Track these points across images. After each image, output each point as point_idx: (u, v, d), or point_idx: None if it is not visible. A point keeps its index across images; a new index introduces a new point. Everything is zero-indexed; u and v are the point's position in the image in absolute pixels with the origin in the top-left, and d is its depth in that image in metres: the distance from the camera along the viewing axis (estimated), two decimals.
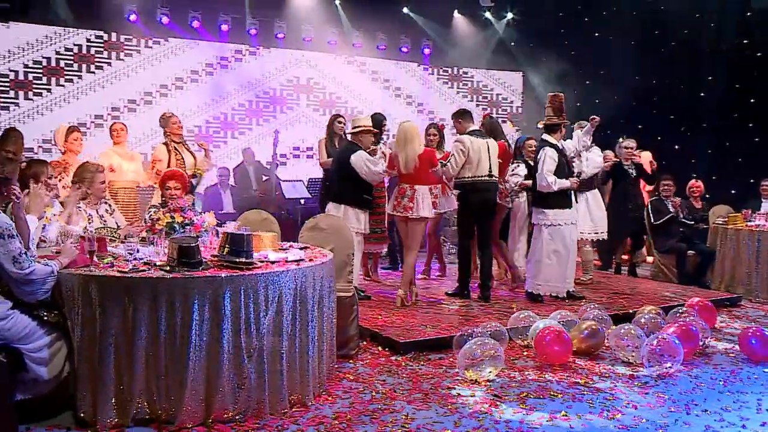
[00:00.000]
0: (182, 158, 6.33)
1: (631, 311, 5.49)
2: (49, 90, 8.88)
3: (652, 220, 7.51)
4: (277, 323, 3.36)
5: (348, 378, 4.03)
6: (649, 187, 8.18)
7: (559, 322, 4.83)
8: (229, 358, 3.21)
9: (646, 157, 8.88)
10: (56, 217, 4.08)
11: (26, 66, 8.74)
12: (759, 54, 9.50)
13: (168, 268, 3.25)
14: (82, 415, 3.15)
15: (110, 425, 3.12)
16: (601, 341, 4.64)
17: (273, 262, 3.59)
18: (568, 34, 11.43)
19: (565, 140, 6.24)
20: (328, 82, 10.88)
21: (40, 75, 8.82)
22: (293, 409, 3.44)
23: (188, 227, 3.78)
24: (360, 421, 3.36)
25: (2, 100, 8.58)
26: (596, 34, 11.16)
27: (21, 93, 8.68)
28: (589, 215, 6.86)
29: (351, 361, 4.36)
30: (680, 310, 5.14)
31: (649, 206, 7.57)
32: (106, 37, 9.27)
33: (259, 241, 3.98)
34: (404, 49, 11.21)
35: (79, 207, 4.35)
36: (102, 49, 9.23)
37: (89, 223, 4.24)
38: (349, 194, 5.68)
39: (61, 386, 3.21)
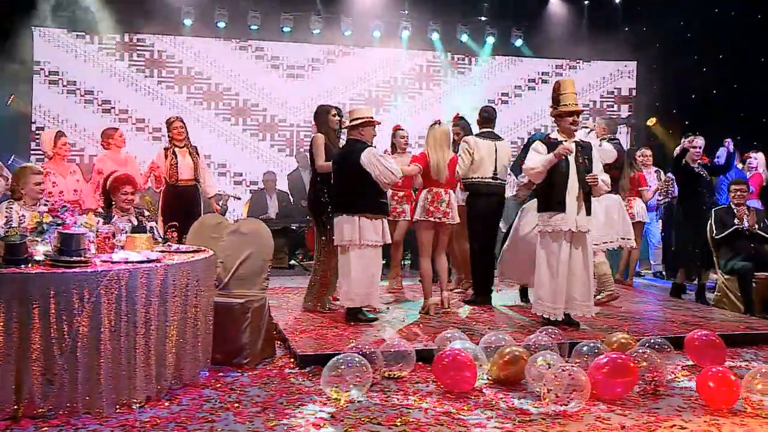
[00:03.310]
0: (176, 162, 6.89)
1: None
2: None
3: (714, 234, 6.63)
4: (96, 322, 3.60)
5: (212, 386, 4.17)
6: None
7: (489, 346, 4.52)
8: (39, 353, 3.53)
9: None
10: None
11: None
12: None
13: None
14: None
15: None
16: (522, 369, 4.28)
17: (114, 262, 3.87)
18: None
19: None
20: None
21: None
22: (117, 410, 3.67)
23: (59, 227, 4.18)
24: (164, 427, 3.50)
25: None
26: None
27: None
28: (605, 221, 6.33)
29: (240, 370, 4.50)
30: (655, 341, 4.55)
31: (713, 216, 6.70)
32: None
33: (131, 242, 4.30)
34: None
35: (11, 207, 4.98)
36: None
37: (6, 223, 4.83)
38: (363, 201, 5.51)
39: None
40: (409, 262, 9.28)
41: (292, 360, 4.75)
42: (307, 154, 6.35)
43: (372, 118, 5.73)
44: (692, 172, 6.94)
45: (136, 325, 3.75)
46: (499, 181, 6.45)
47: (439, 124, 6.24)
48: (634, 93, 11.85)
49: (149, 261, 3.92)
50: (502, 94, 11.50)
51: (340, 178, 5.68)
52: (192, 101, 10.40)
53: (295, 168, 10.08)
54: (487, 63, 11.39)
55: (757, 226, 6.52)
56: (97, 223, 4.77)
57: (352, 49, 10.89)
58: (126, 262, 3.84)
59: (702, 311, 6.29)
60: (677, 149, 7.17)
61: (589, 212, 5.50)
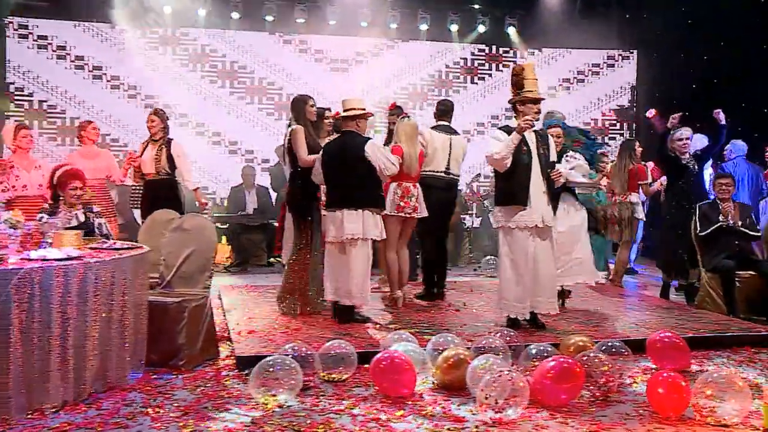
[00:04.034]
0: (143, 155, 6.79)
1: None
2: None
3: (698, 230, 6.42)
4: (5, 323, 3.50)
5: (140, 389, 4.07)
6: None
7: (437, 348, 4.38)
8: None
9: None
10: None
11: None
12: None
13: None
14: None
15: None
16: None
17: (30, 260, 3.77)
18: None
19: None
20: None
21: None
22: (28, 416, 3.57)
23: None
24: None
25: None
26: None
27: None
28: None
29: (176, 372, 4.39)
30: (612, 344, 4.38)
31: (697, 211, 6.47)
32: None
33: (58, 239, 4.21)
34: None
35: None
36: None
37: None
38: (366, 195, 5.45)
39: None
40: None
41: (235, 362, 4.64)
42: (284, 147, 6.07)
43: (365, 109, 5.62)
44: (678, 164, 6.72)
45: (50, 326, 3.64)
46: (451, 175, 6.42)
47: (408, 117, 6.18)
48: (634, 83, 11.59)
49: (69, 258, 3.82)
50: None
51: (337, 172, 5.50)
52: (235, 96, 10.55)
53: (276, 162, 9.97)
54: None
55: (741, 222, 6.28)
56: (40, 219, 4.72)
57: (396, 42, 11.03)
58: (43, 260, 3.75)
59: (683, 312, 6.08)
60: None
61: (553, 205, 5.34)
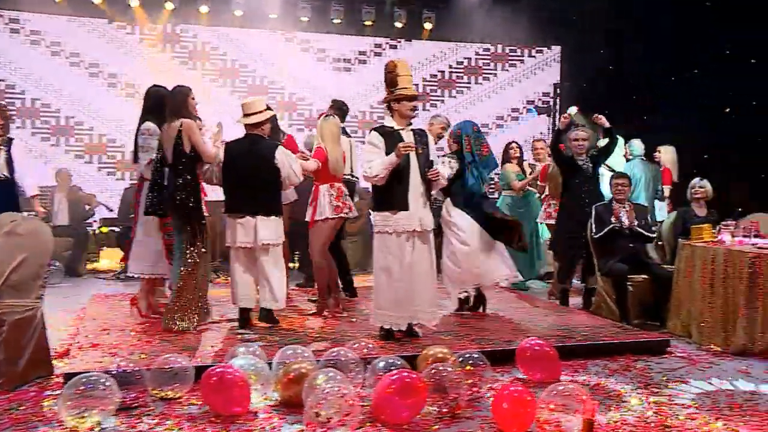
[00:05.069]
0: None
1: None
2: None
3: (593, 232, 6.35)
4: None
5: None
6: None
7: (279, 362, 4.16)
8: None
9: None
10: None
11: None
12: None
13: None
14: None
15: None
16: None
17: None
18: None
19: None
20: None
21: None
22: None
23: None
24: None
25: None
26: None
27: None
28: None
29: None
30: (471, 356, 4.23)
31: (593, 213, 6.41)
32: None
33: None
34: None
35: None
36: None
37: None
38: (277, 201, 5.49)
39: None
40: (297, 264, 8.89)
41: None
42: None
43: (268, 108, 5.55)
44: (572, 163, 6.64)
45: None
46: (354, 178, 6.38)
47: (333, 116, 6.12)
48: (557, 80, 11.60)
49: None
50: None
51: (246, 176, 5.37)
52: (237, 95, 10.25)
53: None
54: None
55: (636, 224, 6.24)
56: None
57: (399, 42, 11.13)
58: None
59: (573, 319, 5.98)
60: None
61: (430, 207, 5.18)
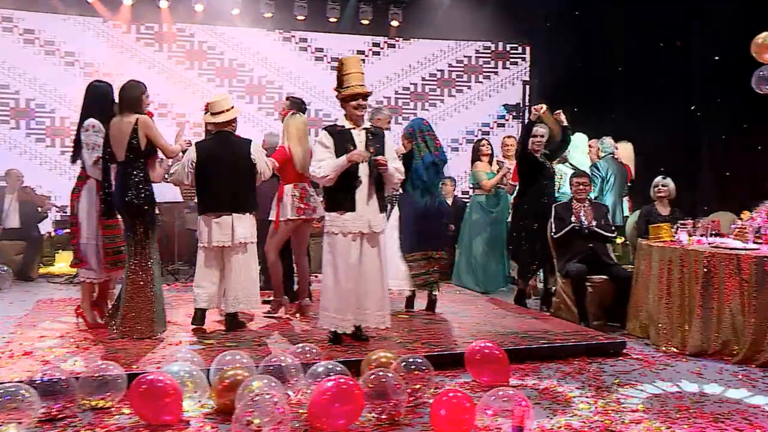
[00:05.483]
0: None
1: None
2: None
3: (553, 232, 6.31)
4: None
5: None
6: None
7: (217, 368, 4.05)
8: None
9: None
10: None
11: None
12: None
13: None
14: None
15: None
16: None
17: None
18: None
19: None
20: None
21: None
22: None
23: None
24: None
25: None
26: None
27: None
28: None
29: None
30: (414, 360, 4.14)
31: (553, 212, 6.37)
32: None
33: None
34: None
35: None
36: None
37: None
38: (253, 198, 5.50)
39: None
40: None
41: None
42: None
43: (233, 107, 5.52)
44: (533, 161, 6.60)
45: None
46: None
47: (297, 113, 6.03)
48: (527, 77, 11.54)
49: None
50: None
51: (222, 174, 5.34)
52: (234, 94, 10.01)
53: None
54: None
55: (595, 223, 6.20)
56: None
57: (398, 41, 11.02)
58: None
59: (531, 321, 5.93)
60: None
61: (382, 209, 5.10)
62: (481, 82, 11.33)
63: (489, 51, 11.32)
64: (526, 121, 10.76)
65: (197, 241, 5.52)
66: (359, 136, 5.02)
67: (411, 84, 11.11)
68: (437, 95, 11.18)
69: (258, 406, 3.36)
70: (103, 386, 3.88)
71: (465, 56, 11.28)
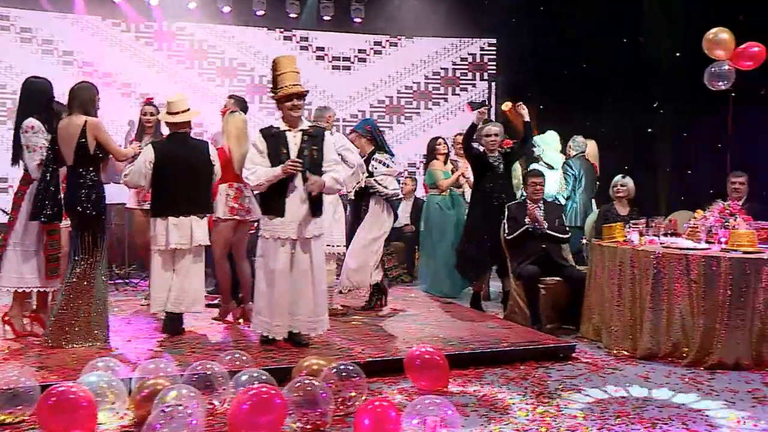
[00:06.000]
0: None
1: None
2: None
3: (506, 233, 6.22)
4: None
5: None
6: None
7: (140, 377, 3.91)
8: None
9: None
10: None
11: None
12: None
13: None
14: None
15: None
16: None
17: None
18: None
19: None
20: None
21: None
22: None
23: None
24: None
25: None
26: None
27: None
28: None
29: None
30: (345, 367, 4.02)
31: (506, 212, 6.27)
32: None
33: None
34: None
35: None
36: None
37: None
38: (209, 200, 5.47)
39: None
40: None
41: None
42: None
43: (189, 108, 5.42)
44: (485, 162, 6.49)
45: None
46: None
47: (239, 111, 5.92)
48: (494, 73, 11.44)
49: None
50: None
51: (180, 176, 5.24)
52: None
53: None
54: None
55: (546, 225, 6.11)
56: None
57: (399, 40, 10.85)
58: None
59: (482, 325, 5.82)
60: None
61: (315, 214, 4.96)
62: (458, 94, 11.17)
63: (466, 63, 11.18)
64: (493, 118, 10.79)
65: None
66: (294, 138, 4.92)
67: (414, 83, 10.99)
68: (414, 108, 10.97)
69: (169, 418, 3.23)
70: (12, 399, 3.71)
71: (442, 68, 11.12)
